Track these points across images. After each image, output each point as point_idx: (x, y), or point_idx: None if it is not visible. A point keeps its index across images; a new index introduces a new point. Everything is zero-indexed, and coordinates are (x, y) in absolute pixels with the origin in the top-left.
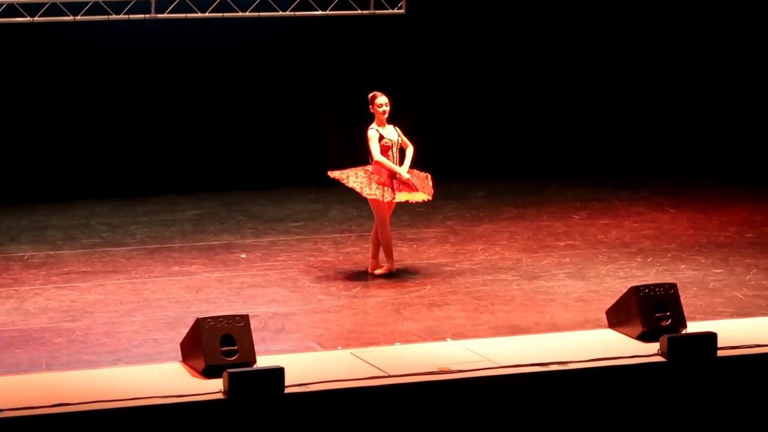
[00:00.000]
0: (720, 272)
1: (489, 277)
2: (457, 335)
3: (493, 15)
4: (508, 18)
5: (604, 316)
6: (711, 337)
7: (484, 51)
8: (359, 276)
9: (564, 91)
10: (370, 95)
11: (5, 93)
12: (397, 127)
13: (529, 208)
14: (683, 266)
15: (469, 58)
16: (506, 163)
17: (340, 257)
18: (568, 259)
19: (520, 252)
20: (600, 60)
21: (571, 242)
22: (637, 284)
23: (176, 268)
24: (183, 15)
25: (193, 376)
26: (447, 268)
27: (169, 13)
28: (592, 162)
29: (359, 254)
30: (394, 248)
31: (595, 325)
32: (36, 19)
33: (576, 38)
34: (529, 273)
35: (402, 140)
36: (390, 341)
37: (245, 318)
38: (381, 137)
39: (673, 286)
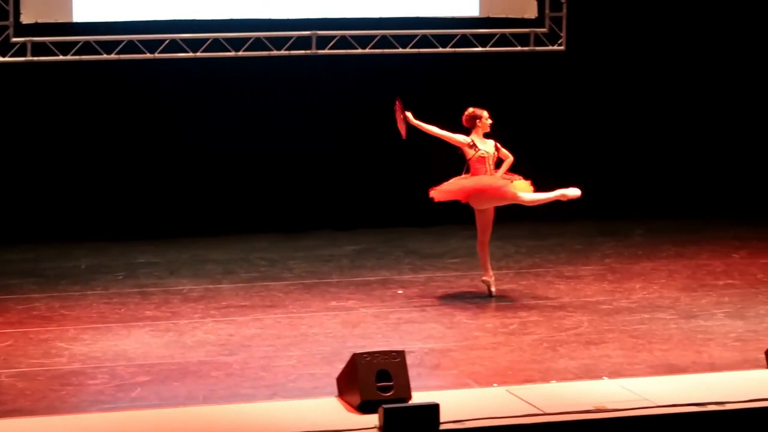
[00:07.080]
0: None
1: (646, 316)
2: (614, 374)
3: (653, 50)
4: (669, 52)
5: (764, 356)
6: None
7: (645, 86)
8: (516, 313)
9: (728, 128)
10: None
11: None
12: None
13: (689, 246)
14: None
15: (629, 94)
16: (666, 200)
17: (497, 294)
18: (727, 299)
19: (678, 290)
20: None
21: (731, 281)
22: None
23: (333, 303)
24: (344, 51)
25: (349, 411)
26: (604, 306)
27: (329, 49)
28: (754, 200)
29: (516, 291)
30: (551, 285)
31: (754, 365)
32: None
33: (744, 75)
34: (687, 312)
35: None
36: (546, 379)
37: (401, 354)
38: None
39: None
